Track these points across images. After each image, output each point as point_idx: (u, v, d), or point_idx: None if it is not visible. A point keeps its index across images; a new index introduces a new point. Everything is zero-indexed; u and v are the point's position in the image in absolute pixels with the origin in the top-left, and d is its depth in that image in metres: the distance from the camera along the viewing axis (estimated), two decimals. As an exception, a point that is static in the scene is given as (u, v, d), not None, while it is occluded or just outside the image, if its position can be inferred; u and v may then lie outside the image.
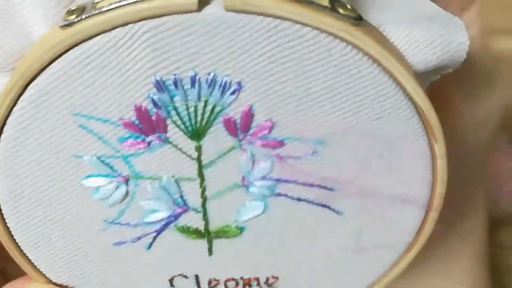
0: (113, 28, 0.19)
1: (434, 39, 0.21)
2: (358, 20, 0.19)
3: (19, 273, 0.27)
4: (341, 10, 0.19)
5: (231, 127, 0.21)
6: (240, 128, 0.21)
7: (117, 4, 0.19)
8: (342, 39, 0.19)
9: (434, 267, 0.34)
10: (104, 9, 0.19)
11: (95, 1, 0.20)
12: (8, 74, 0.22)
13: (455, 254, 0.34)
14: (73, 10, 0.20)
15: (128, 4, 0.19)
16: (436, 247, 0.34)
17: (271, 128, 0.21)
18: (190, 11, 0.19)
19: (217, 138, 0.21)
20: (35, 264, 0.25)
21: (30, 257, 0.24)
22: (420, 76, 0.22)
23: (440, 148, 0.22)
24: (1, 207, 0.23)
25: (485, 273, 0.36)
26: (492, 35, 0.53)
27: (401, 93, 0.21)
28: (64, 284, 0.25)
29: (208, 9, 0.19)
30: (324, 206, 0.24)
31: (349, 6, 0.19)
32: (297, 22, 0.19)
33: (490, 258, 0.37)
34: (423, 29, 0.21)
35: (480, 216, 0.34)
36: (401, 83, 0.20)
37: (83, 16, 0.19)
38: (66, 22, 0.19)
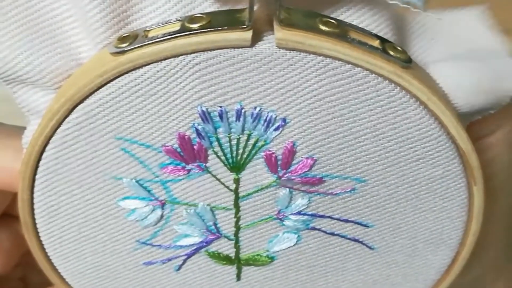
0: (165, 58, 0.19)
1: (482, 84, 0.21)
2: (407, 62, 0.19)
3: (40, 281, 0.27)
4: (391, 52, 0.19)
5: (272, 164, 0.21)
6: (281, 164, 0.21)
7: (171, 36, 0.19)
8: (391, 81, 0.19)
9: None
10: (157, 39, 0.19)
11: (147, 29, 0.20)
12: (52, 92, 0.22)
13: None
14: (125, 37, 0.20)
15: (181, 36, 0.19)
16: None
17: (312, 166, 0.21)
18: (243, 47, 0.19)
19: (256, 173, 0.22)
20: (64, 276, 0.25)
21: (59, 270, 0.25)
22: (462, 116, 0.22)
23: (479, 190, 0.22)
24: (36, 221, 0.23)
25: None
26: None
27: (444, 135, 0.21)
28: None
29: (260, 45, 0.19)
30: (356, 241, 0.24)
31: (399, 48, 0.19)
32: (348, 62, 0.19)
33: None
34: (471, 72, 0.21)
35: None
36: (445, 126, 0.20)
37: (136, 45, 0.19)
38: (118, 50, 0.19)
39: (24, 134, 0.23)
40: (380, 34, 0.20)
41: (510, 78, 0.21)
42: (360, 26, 0.20)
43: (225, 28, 0.19)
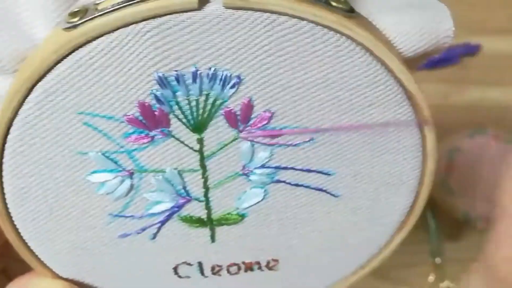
0: (117, 29, 0.20)
1: (422, 27, 0.22)
2: (350, 12, 0.20)
3: (22, 272, 0.27)
4: (334, 3, 0.20)
5: (232, 119, 0.22)
6: (240, 119, 0.22)
7: (120, 6, 0.19)
8: (336, 31, 0.20)
9: None
10: (107, 10, 0.19)
11: (96, 2, 0.20)
12: (11, 76, 0.22)
13: None
14: (75, 12, 0.20)
15: (130, 5, 0.19)
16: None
17: (270, 119, 0.22)
18: (191, 10, 0.19)
19: (218, 130, 0.22)
20: (42, 259, 0.25)
21: (36, 253, 0.25)
22: (408, 62, 0.23)
23: (429, 129, 0.23)
24: (8, 206, 0.24)
25: None
26: (492, 35, 0.55)
27: (392, 79, 0.22)
28: (70, 278, 0.26)
29: (208, 7, 0.20)
30: (321, 190, 0.25)
31: None
32: (293, 16, 0.20)
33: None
34: (411, 18, 0.22)
35: None
36: (392, 70, 0.21)
37: (87, 18, 0.20)
38: (70, 25, 0.20)
39: None
40: None
41: (445, 21, 0.22)
42: None
43: None
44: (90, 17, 0.20)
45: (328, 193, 0.25)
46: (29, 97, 0.21)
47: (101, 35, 0.20)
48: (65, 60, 0.20)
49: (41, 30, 0.21)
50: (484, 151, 0.41)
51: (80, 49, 0.20)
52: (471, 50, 0.54)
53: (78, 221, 0.24)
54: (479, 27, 0.54)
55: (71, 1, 0.21)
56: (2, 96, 0.22)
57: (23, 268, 0.27)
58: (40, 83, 0.21)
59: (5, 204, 0.24)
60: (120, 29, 0.20)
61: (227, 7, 0.20)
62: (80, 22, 0.20)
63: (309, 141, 0.23)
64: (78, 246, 0.25)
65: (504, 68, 0.53)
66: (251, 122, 0.22)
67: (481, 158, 0.40)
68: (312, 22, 0.20)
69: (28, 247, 0.25)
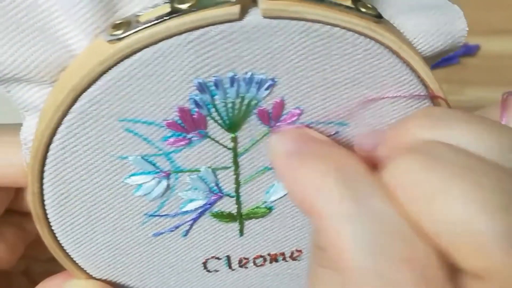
0: (160, 40, 0.21)
1: (439, 28, 0.23)
2: (378, 17, 0.22)
3: (44, 272, 0.28)
4: (363, 9, 0.22)
5: (265, 117, 0.23)
6: (272, 117, 0.23)
7: (164, 18, 0.20)
8: (366, 36, 0.22)
9: None
10: (150, 24, 0.20)
11: (137, 14, 0.21)
12: (48, 86, 0.23)
13: None
14: (118, 24, 0.21)
15: (173, 17, 0.20)
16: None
17: (299, 115, 0.24)
18: (232, 21, 0.21)
19: (251, 128, 0.24)
20: (76, 260, 0.26)
21: (72, 256, 0.26)
22: (427, 60, 0.25)
23: None
24: (47, 212, 0.24)
25: None
26: (492, 35, 0.56)
27: (416, 79, 0.23)
28: (104, 278, 0.27)
29: (247, 17, 0.21)
30: None
31: (369, 5, 0.22)
32: (327, 23, 0.21)
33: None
34: (429, 19, 0.23)
35: None
36: (416, 71, 0.23)
37: (131, 32, 0.21)
38: (114, 37, 0.21)
39: (21, 130, 0.24)
40: None
41: (459, 21, 0.24)
42: None
43: (213, 5, 0.20)
44: (134, 30, 0.21)
45: None
46: (73, 107, 0.22)
47: (145, 47, 0.21)
48: (110, 71, 0.21)
49: (78, 40, 0.22)
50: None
51: (124, 60, 0.21)
52: (471, 50, 0.55)
53: (114, 222, 0.25)
54: (479, 27, 0.55)
55: (110, 13, 0.21)
56: (38, 106, 0.23)
57: (45, 269, 0.28)
58: (84, 93, 0.22)
59: (44, 211, 0.24)
60: (164, 41, 0.21)
61: (265, 17, 0.21)
62: (125, 35, 0.21)
63: (334, 134, 0.24)
64: (113, 247, 0.26)
65: (504, 68, 0.54)
66: (281, 118, 0.24)
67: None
68: (344, 28, 0.21)
69: (63, 249, 0.26)
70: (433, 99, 0.24)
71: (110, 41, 0.21)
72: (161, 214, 0.25)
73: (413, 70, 0.23)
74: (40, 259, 0.32)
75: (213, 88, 0.22)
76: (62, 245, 0.26)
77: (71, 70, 0.22)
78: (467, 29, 0.24)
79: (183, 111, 0.23)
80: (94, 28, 0.22)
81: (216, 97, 0.22)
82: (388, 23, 0.23)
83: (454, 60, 0.55)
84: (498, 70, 0.54)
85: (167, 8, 0.21)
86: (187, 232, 0.26)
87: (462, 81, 0.54)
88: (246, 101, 0.23)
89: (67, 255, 0.26)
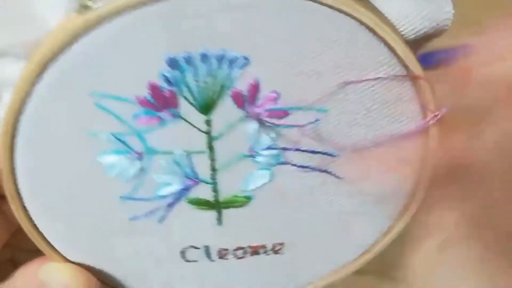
0: (129, 11, 0.20)
1: (422, 10, 0.23)
2: None
3: (30, 260, 0.28)
4: None
5: (239, 100, 0.23)
6: (247, 100, 0.23)
7: None
8: (343, 12, 0.21)
9: None
10: None
11: None
12: (25, 61, 0.23)
13: None
14: None
15: None
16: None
17: (276, 99, 0.23)
18: None
19: (225, 111, 0.23)
20: (52, 243, 0.26)
21: (47, 237, 0.26)
22: (411, 45, 0.24)
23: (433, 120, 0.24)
24: (20, 190, 0.24)
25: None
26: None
27: (395, 59, 0.22)
28: (81, 262, 0.26)
29: None
30: (325, 171, 0.25)
31: None
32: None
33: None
34: (412, 1, 0.23)
35: None
36: (395, 50, 0.22)
37: (100, 2, 0.20)
38: (84, 8, 0.20)
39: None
40: None
41: (444, 4, 0.23)
42: None
43: None
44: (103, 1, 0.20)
45: (332, 175, 0.25)
46: (43, 79, 0.22)
47: (114, 18, 0.21)
48: (78, 42, 0.21)
49: (53, 17, 0.22)
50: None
51: (94, 31, 0.21)
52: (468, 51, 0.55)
53: (89, 203, 0.25)
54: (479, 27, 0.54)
55: None
56: (14, 79, 0.23)
57: (31, 258, 0.28)
58: (54, 65, 0.21)
59: (17, 189, 0.24)
60: (133, 12, 0.20)
61: None
62: (94, 5, 0.20)
63: (314, 121, 0.24)
64: (89, 229, 0.25)
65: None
66: (258, 102, 0.23)
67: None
68: (319, 3, 0.21)
69: (38, 231, 0.25)
70: (414, 80, 0.23)
71: (79, 12, 0.21)
72: (136, 198, 0.25)
73: (392, 50, 0.22)
74: (27, 248, 0.31)
75: (184, 64, 0.22)
76: (37, 225, 0.25)
77: (42, 44, 0.22)
78: (453, 11, 0.23)
79: (153, 88, 0.22)
80: (67, 4, 0.21)
81: (187, 74, 0.22)
82: (368, 2, 0.22)
83: (454, 60, 0.53)
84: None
85: None
86: (163, 217, 0.26)
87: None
88: (219, 81, 0.22)
89: (43, 237, 0.26)
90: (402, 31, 0.23)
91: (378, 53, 0.22)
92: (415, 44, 0.23)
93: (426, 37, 0.23)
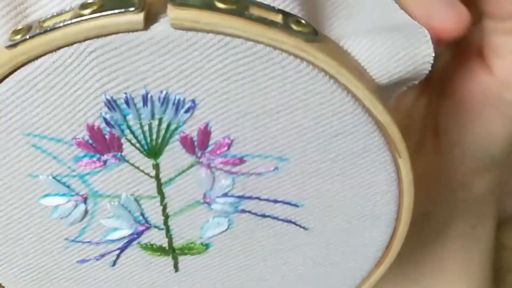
0: (59, 48, 0.18)
1: (397, 52, 0.20)
2: (313, 35, 0.19)
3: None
4: (294, 26, 0.19)
5: (188, 145, 0.21)
6: (197, 145, 0.21)
7: (62, 24, 0.18)
8: (296, 56, 0.19)
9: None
10: (48, 28, 0.18)
11: (41, 20, 0.19)
12: None
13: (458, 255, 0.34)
14: (19, 29, 0.19)
15: (72, 23, 0.18)
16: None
17: (229, 145, 0.21)
18: (136, 30, 0.18)
19: (174, 156, 0.21)
20: (0, 282, 0.24)
21: None
22: (385, 89, 0.21)
23: (404, 162, 0.21)
24: None
25: (488, 273, 0.36)
26: None
27: (360, 109, 0.20)
28: None
29: (156, 27, 0.18)
30: (289, 222, 0.23)
31: (303, 21, 0.19)
32: (248, 39, 0.18)
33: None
34: (385, 42, 0.20)
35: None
36: (359, 99, 0.20)
37: (28, 36, 0.18)
38: (11, 43, 0.19)
39: None
40: (287, 9, 0.19)
41: (424, 46, 0.20)
42: (263, 1, 0.19)
43: (116, 11, 0.18)
44: (31, 35, 0.18)
45: (297, 225, 0.23)
46: None
47: (44, 54, 0.19)
48: (7, 79, 0.19)
49: None
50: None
51: (22, 68, 0.19)
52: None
53: (34, 245, 0.23)
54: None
55: (20, 18, 0.20)
56: None
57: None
58: None
59: None
60: (63, 49, 0.18)
61: (176, 28, 0.18)
62: (20, 40, 0.18)
63: (273, 170, 0.21)
64: (35, 270, 0.24)
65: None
66: (209, 148, 0.21)
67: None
68: (269, 45, 0.18)
69: None
70: (382, 129, 0.20)
71: (7, 46, 0.19)
72: (83, 241, 0.23)
73: (356, 98, 0.20)
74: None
75: (124, 106, 0.20)
76: None
77: None
78: (433, 55, 0.20)
79: (92, 130, 0.20)
80: (2, 34, 0.20)
81: (129, 116, 0.20)
82: (328, 42, 0.20)
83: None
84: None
85: (70, 14, 0.18)
86: (115, 262, 0.24)
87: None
88: (164, 124, 0.20)
89: None
90: (373, 75, 0.20)
91: (340, 101, 0.20)
92: (388, 88, 0.21)
93: (401, 82, 0.21)
